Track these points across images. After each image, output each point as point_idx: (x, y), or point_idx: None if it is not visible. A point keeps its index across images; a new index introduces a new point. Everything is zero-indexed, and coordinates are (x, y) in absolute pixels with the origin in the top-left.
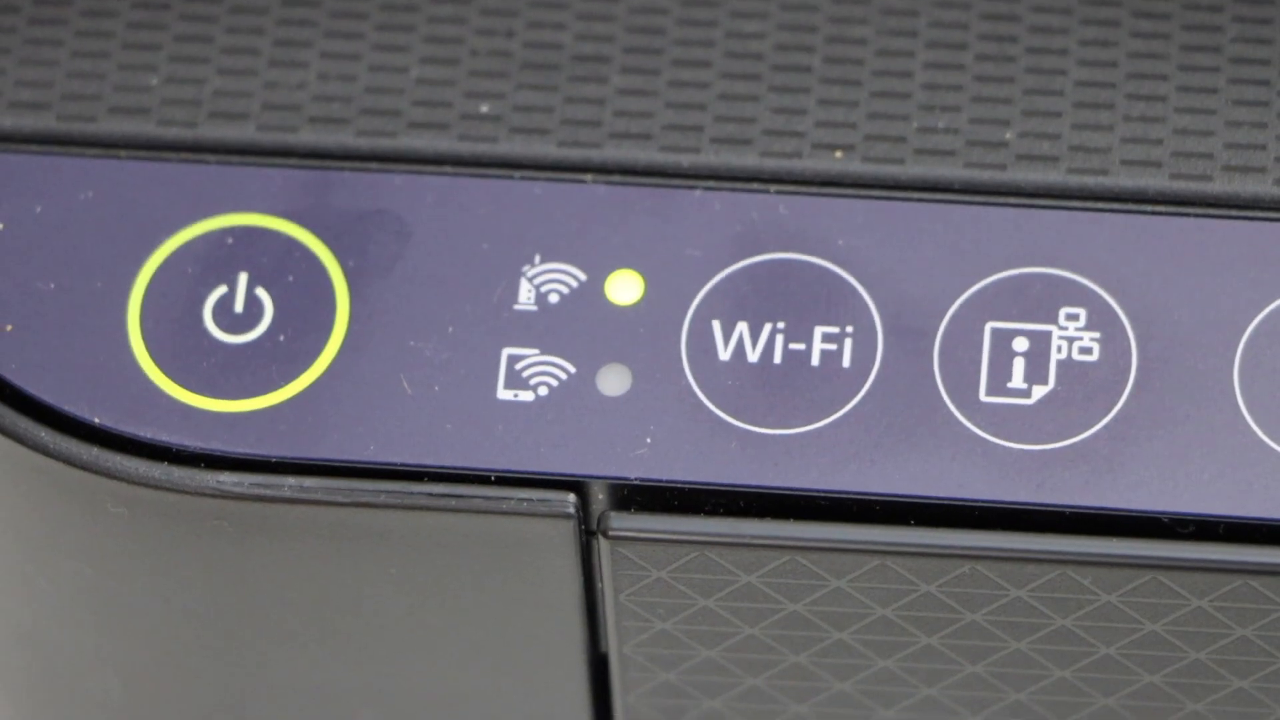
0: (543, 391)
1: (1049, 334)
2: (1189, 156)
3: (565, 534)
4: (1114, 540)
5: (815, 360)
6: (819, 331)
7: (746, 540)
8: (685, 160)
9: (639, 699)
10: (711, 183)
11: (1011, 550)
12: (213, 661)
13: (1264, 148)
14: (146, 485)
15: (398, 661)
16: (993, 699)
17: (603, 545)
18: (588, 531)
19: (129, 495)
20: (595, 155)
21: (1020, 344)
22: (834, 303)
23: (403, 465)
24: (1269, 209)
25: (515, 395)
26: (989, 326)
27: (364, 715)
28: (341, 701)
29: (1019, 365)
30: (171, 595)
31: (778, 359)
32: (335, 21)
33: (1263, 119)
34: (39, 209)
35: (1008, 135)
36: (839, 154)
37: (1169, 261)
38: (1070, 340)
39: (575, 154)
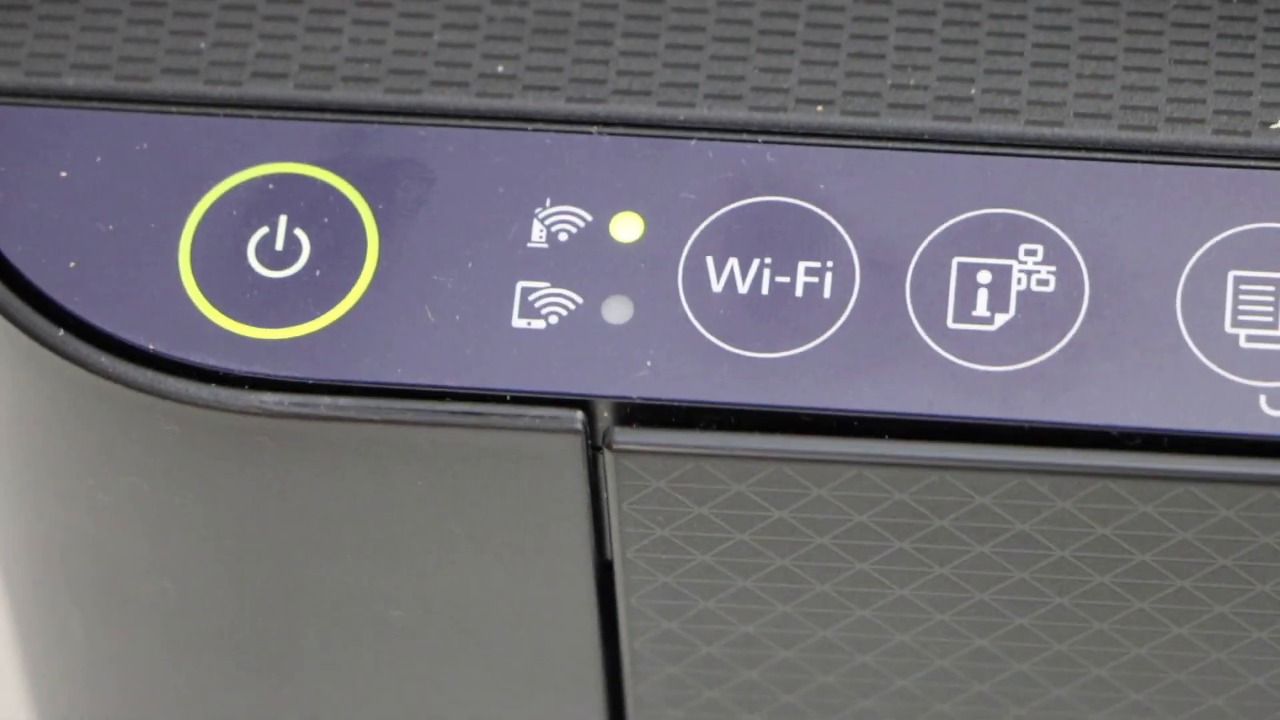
0: (553, 320)
1: (1010, 267)
2: (1135, 109)
3: (574, 448)
4: (1068, 451)
5: (799, 292)
6: (802, 266)
7: (737, 453)
8: (681, 114)
9: (640, 600)
10: (705, 134)
11: (976, 461)
12: (255, 566)
13: (1203, 101)
14: (196, 405)
15: (422, 566)
16: (958, 599)
17: (608, 458)
18: (594, 446)
19: (180, 415)
20: (600, 110)
21: (984, 276)
22: (815, 240)
23: (426, 386)
24: (1207, 156)
25: (528, 324)
26: (955, 261)
27: (392, 614)
28: (372, 602)
29: (983, 296)
30: (218, 506)
31: (765, 291)
32: None
33: (1201, 76)
34: (99, 159)
35: (972, 91)
36: (820, 108)
37: (1117, 203)
38: (1029, 273)
39: (582, 109)
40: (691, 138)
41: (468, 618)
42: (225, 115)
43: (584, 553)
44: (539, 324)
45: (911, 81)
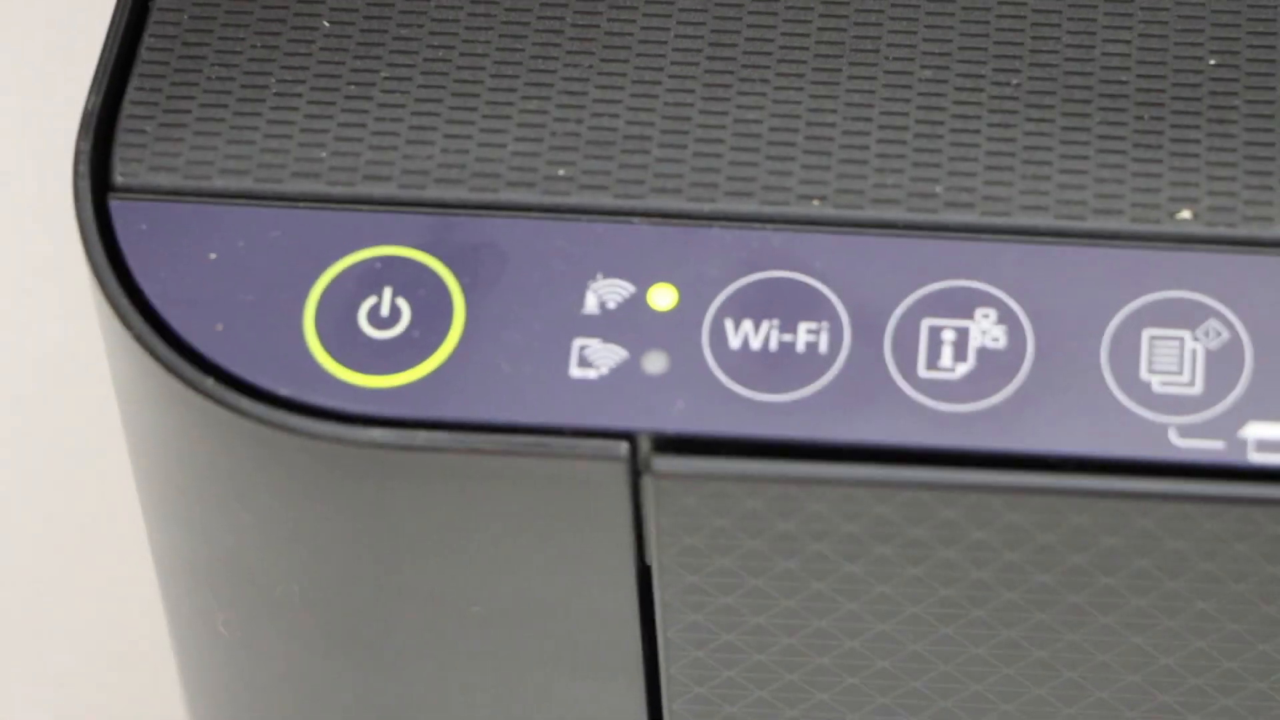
0: (603, 370)
1: (968, 328)
2: (1068, 203)
3: (620, 473)
4: (1017, 474)
5: (800, 348)
6: (802, 327)
7: (751, 475)
8: (705, 207)
9: (672, 596)
10: (724, 222)
11: (944, 481)
12: (364, 571)
13: (1122, 196)
14: (318, 439)
15: (497, 569)
16: (926, 594)
17: (647, 481)
18: (636, 471)
19: (306, 447)
20: (640, 204)
21: (948, 335)
22: (813, 307)
23: (501, 422)
24: (1125, 239)
25: (583, 373)
26: (925, 322)
27: (472, 610)
28: (456, 600)
29: (948, 350)
30: (334, 522)
31: (773, 347)
32: (453, 113)
33: (1120, 177)
34: (240, 244)
35: (937, 189)
36: (816, 202)
37: (1054, 276)
38: (984, 332)
39: (626, 203)
40: (713, 225)
41: (533, 611)
42: (342, 209)
43: (627, 557)
44: (592, 373)
45: (889, 181)
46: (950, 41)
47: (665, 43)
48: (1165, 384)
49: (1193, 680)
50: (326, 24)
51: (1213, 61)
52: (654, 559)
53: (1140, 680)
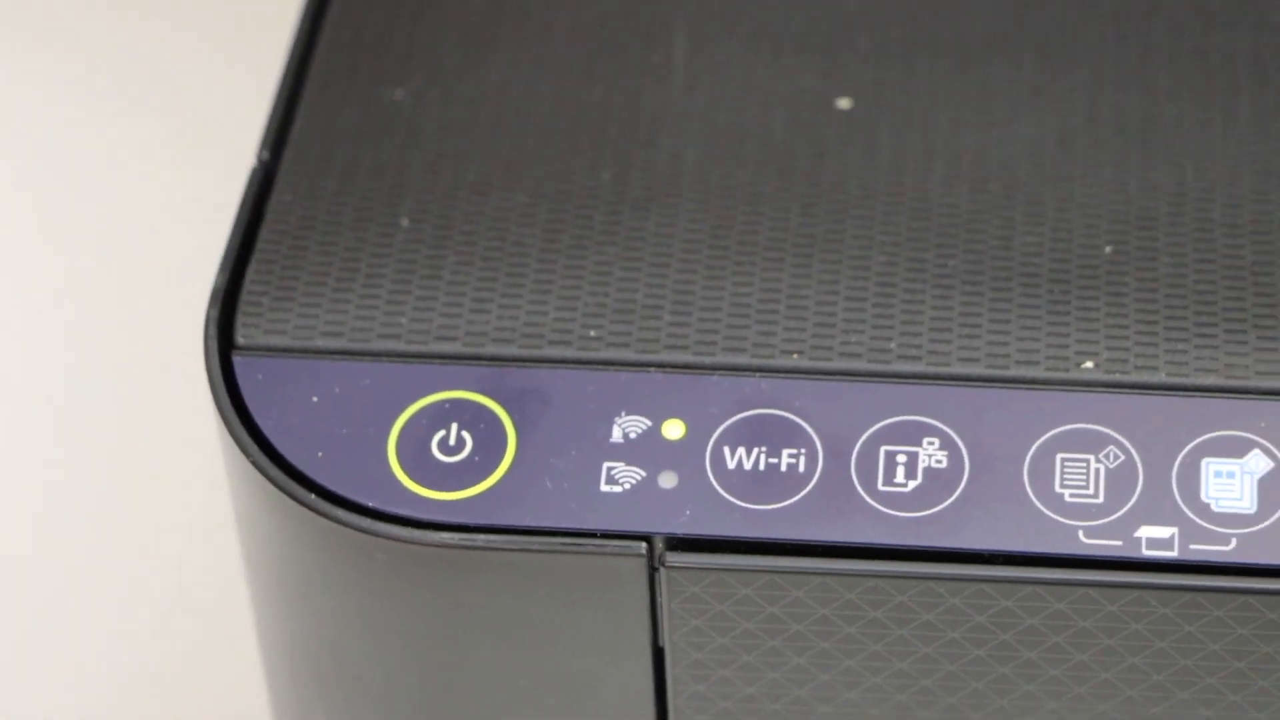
0: (627, 486)
1: (918, 453)
2: (995, 355)
3: (640, 568)
4: (956, 566)
5: (783, 468)
6: (785, 452)
7: (745, 568)
8: (706, 360)
9: (681, 670)
10: (722, 372)
11: (898, 573)
12: (434, 653)
13: (1038, 350)
14: (398, 540)
15: (538, 648)
16: (884, 667)
17: (662, 574)
18: (653, 567)
19: (387, 548)
20: (655, 358)
21: (901, 458)
22: (792, 436)
23: (545, 527)
24: (1041, 384)
25: (610, 489)
26: (883, 449)
27: (520, 684)
28: (507, 673)
29: (901, 470)
30: (410, 611)
31: (762, 468)
32: (506, 289)
33: (1037, 335)
34: (336, 390)
35: (891, 345)
36: (795, 355)
37: (986, 412)
38: (930, 456)
39: (643, 357)
40: (714, 374)
41: (569, 683)
42: (418, 363)
43: (644, 639)
44: (617, 488)
45: (852, 340)
46: (900, 233)
47: (674, 234)
48: (1074, 495)
49: None
50: (405, 222)
51: (1109, 249)
52: (666, 640)
53: None
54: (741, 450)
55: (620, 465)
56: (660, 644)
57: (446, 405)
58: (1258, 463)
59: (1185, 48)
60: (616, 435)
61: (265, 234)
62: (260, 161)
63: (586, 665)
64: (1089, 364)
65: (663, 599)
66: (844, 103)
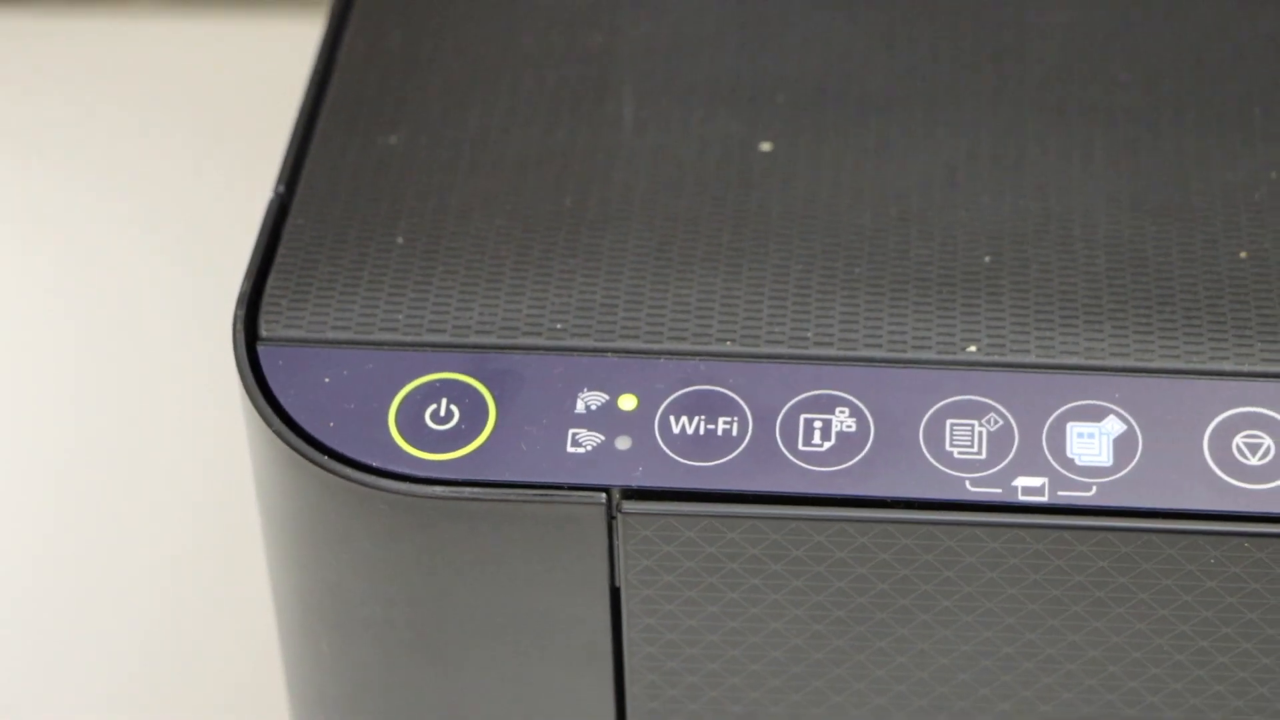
0: (589, 448)
1: (830, 420)
2: (894, 341)
3: (599, 515)
4: (864, 510)
5: (719, 433)
6: (720, 420)
7: (688, 514)
8: (654, 346)
9: (634, 605)
10: (668, 356)
11: (815, 516)
12: (426, 591)
13: (929, 337)
14: (398, 493)
15: (513, 589)
16: (804, 600)
17: (618, 520)
18: (610, 514)
19: (388, 500)
20: (611, 345)
21: (818, 424)
22: (726, 407)
23: (521, 481)
24: (933, 364)
25: (575, 450)
26: (802, 416)
27: (495, 620)
28: (484, 612)
29: (817, 433)
30: (405, 556)
31: (701, 432)
32: (486, 291)
33: (929, 324)
34: (345, 373)
35: (808, 333)
36: (728, 343)
37: (888, 388)
38: (841, 422)
39: (602, 344)
40: (660, 358)
41: (540, 618)
42: (413, 351)
43: (603, 579)
44: (581, 450)
45: (776, 329)
46: (815, 247)
47: (625, 248)
48: (961, 453)
49: (984, 662)
50: (400, 240)
51: (987, 259)
52: (621, 578)
53: (948, 663)
54: (684, 419)
55: (583, 431)
56: (617, 584)
57: (437, 384)
58: (1113, 425)
59: (1050, 100)
60: (580, 407)
61: (282, 250)
62: (277, 194)
63: (554, 602)
64: (972, 348)
65: (619, 542)
66: (766, 145)
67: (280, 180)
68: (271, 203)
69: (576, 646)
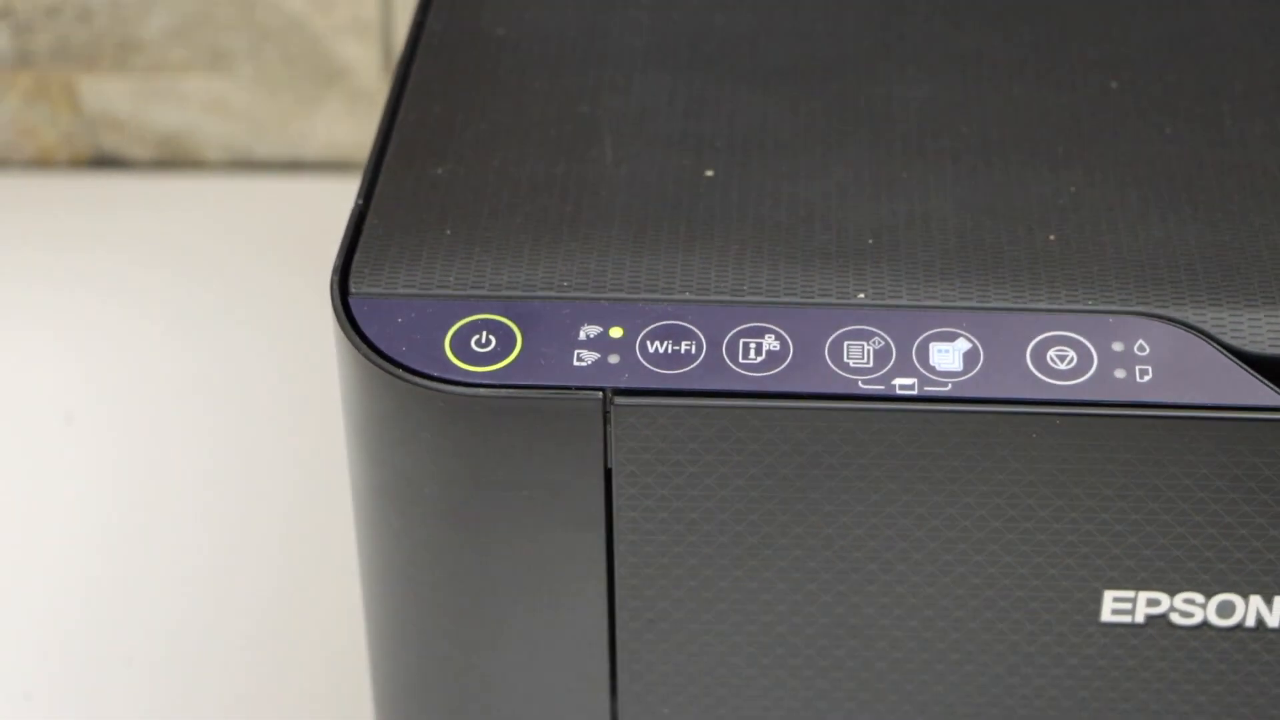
0: (589, 362)
1: (763, 342)
2: (806, 290)
3: (597, 408)
4: (785, 400)
5: (682, 352)
6: (683, 343)
7: (661, 405)
8: (635, 296)
9: (622, 480)
10: (644, 302)
11: (751, 406)
12: (465, 475)
13: (831, 288)
14: (452, 394)
15: (531, 468)
16: (744, 473)
17: (611, 412)
18: (605, 408)
19: (445, 398)
20: (604, 295)
21: (753, 344)
22: (687, 335)
23: (540, 384)
24: (833, 306)
25: (579, 364)
26: (741, 340)
27: (522, 495)
28: (505, 486)
29: (752, 351)
30: (455, 442)
31: (668, 352)
32: (512, 264)
33: (829, 279)
34: (413, 315)
35: (745, 286)
36: (687, 294)
37: (801, 320)
38: (769, 343)
39: (598, 295)
40: (639, 303)
41: (548, 492)
42: (462, 300)
43: (599, 459)
44: (583, 364)
45: (721, 283)
46: (746, 235)
47: (610, 238)
48: (856, 363)
49: (872, 520)
50: (449, 231)
51: (870, 241)
52: (613, 459)
53: (848, 522)
54: (657, 342)
55: (585, 351)
56: (609, 464)
57: (479, 321)
58: (962, 344)
59: (912, 143)
60: (582, 335)
61: (363, 238)
62: (357, 204)
63: (561, 478)
64: (861, 295)
65: (611, 429)
66: (709, 172)
67: (359, 195)
68: (353, 210)
69: (578, 514)
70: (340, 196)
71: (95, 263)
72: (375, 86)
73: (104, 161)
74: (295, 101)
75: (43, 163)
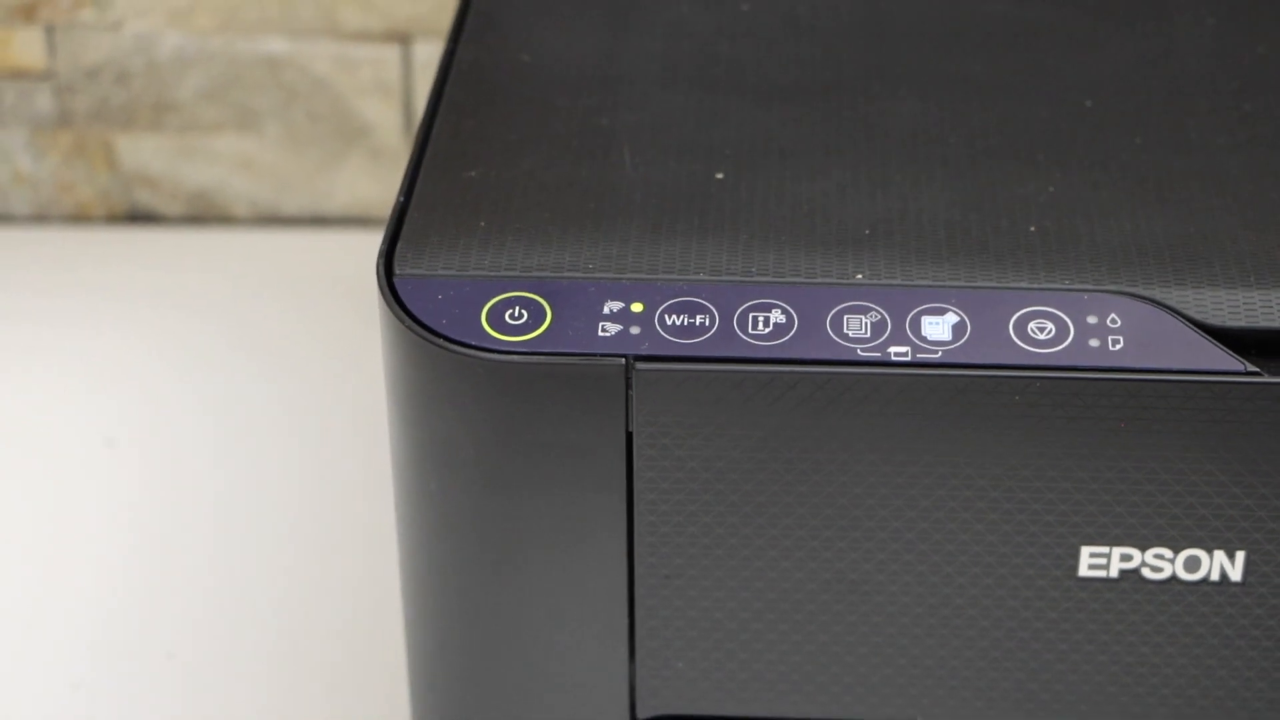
0: (613, 333)
1: (770, 315)
2: (810, 272)
3: (619, 374)
4: (791, 366)
5: (698, 324)
6: (698, 317)
7: (677, 370)
8: (654, 276)
9: (642, 441)
10: (662, 281)
11: (759, 372)
12: (497, 438)
13: (832, 270)
14: (489, 361)
15: (560, 430)
16: (755, 433)
17: (633, 377)
18: (627, 374)
19: (483, 365)
20: (626, 275)
21: (762, 317)
22: (701, 310)
23: (568, 351)
24: (835, 285)
25: (603, 334)
26: (751, 314)
27: (541, 462)
28: (534, 449)
29: (761, 323)
30: (491, 407)
31: (684, 324)
32: (542, 251)
33: (830, 262)
34: (451, 293)
35: (754, 268)
36: (701, 274)
37: (805, 297)
38: (776, 316)
39: (620, 275)
40: (658, 282)
41: (574, 454)
42: (495, 280)
43: (620, 424)
44: (607, 334)
45: (734, 265)
46: (754, 224)
47: (629, 232)
48: (855, 334)
49: (870, 479)
50: (482, 224)
51: (867, 232)
52: (634, 423)
53: (847, 481)
54: (675, 315)
55: (608, 323)
56: (630, 428)
57: (513, 298)
58: (950, 318)
59: (907, 148)
60: (606, 310)
61: (405, 229)
62: (399, 201)
63: (586, 440)
64: (860, 275)
65: (633, 393)
66: (719, 175)
67: (400, 193)
68: (395, 207)
69: (601, 474)
70: (362, 250)
71: (130, 312)
72: (397, 145)
73: (138, 217)
74: (320, 159)
75: (81, 218)
